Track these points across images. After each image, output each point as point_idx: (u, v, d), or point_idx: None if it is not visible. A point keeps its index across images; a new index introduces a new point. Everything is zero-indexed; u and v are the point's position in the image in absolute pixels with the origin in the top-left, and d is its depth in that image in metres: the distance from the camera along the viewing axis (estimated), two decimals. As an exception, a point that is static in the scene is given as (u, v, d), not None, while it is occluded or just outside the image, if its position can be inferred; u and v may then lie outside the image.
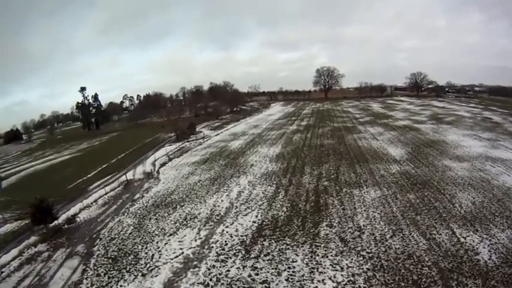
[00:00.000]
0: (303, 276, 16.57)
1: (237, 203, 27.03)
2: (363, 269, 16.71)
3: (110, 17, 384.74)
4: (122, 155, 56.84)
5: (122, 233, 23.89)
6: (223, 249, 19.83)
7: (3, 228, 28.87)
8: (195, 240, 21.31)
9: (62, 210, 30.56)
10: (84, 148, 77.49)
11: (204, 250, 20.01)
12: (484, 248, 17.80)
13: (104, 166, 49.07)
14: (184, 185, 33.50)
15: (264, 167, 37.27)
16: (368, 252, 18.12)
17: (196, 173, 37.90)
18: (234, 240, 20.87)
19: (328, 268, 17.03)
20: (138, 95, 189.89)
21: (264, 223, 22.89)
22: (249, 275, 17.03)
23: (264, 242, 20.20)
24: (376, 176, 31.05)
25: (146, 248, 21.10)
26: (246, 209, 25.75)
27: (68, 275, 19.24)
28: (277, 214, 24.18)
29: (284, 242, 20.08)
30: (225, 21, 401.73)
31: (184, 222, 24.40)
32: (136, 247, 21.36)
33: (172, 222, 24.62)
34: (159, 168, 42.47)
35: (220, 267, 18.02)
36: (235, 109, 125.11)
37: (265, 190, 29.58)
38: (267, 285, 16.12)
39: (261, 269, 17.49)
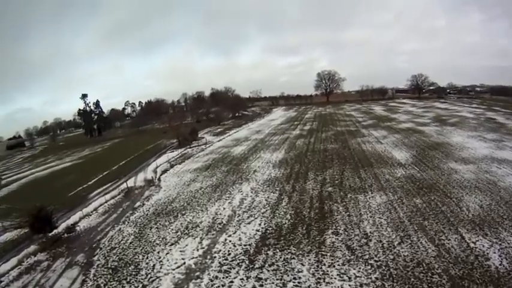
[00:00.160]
0: (309, 287, 15.98)
1: (240, 211, 26.47)
2: (371, 278, 16.08)
3: (111, 24, 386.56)
4: (123, 161, 56.56)
5: (122, 242, 23.41)
6: (226, 259, 19.26)
7: (2, 236, 28.63)
8: (197, 250, 20.77)
9: (62, 218, 30.22)
10: (86, 155, 77.33)
11: (207, 260, 19.45)
12: (494, 253, 17.21)
13: (105, 173, 48.80)
14: (185, 193, 33.01)
15: (266, 173, 36.76)
16: (376, 261, 17.49)
17: (198, 180, 37.43)
18: (237, 249, 20.30)
19: (335, 278, 16.42)
20: (140, 102, 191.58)
21: (268, 231, 22.29)
22: (253, 287, 16.46)
23: (268, 252, 19.60)
24: (381, 181, 30.44)
25: (147, 258, 20.59)
26: (248, 217, 25.17)
27: (67, 285, 18.82)
28: (281, 222, 23.58)
29: (289, 251, 19.47)
30: (226, 27, 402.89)
31: (186, 231, 23.86)
32: (137, 257, 20.86)
33: (174, 231, 24.09)
34: (161, 175, 42.06)
35: (223, 278, 17.45)
36: (237, 114, 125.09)
37: (268, 197, 29.02)
38: (272, 297, 15.55)
39: (266, 280, 16.89)
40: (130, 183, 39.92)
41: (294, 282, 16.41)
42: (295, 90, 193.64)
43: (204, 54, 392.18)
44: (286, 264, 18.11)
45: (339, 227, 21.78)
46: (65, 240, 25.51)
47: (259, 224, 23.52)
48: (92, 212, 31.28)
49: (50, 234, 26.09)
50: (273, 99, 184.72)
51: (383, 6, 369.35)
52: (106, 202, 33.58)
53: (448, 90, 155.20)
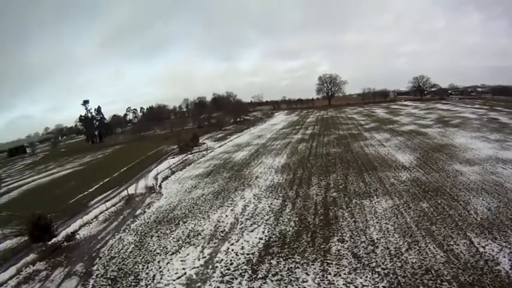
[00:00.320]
0: (314, 297, 15.43)
1: (242, 218, 25.92)
2: (378, 287, 15.50)
3: (113, 28, 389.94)
4: (125, 168, 56.30)
5: (122, 251, 22.98)
6: (228, 269, 18.70)
7: (3, 244, 28.48)
8: (199, 260, 20.23)
9: (62, 226, 30.06)
10: (87, 161, 77.16)
11: (208, 270, 18.91)
12: (504, 257, 16.63)
13: (106, 180, 48.53)
14: (187, 200, 32.54)
15: (269, 179, 36.23)
16: (383, 269, 16.89)
17: (199, 186, 36.98)
18: (239, 259, 19.72)
19: (341, 288, 15.85)
20: (141, 108, 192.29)
21: (271, 239, 21.70)
22: (257, 298, 15.93)
23: (271, 261, 19.02)
24: (386, 185, 29.84)
25: (147, 268, 20.12)
26: (251, 224, 24.60)
27: (65, 297, 18.37)
28: (285, 229, 22.99)
29: (293, 260, 18.88)
30: (227, 31, 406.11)
31: (187, 239, 23.34)
32: (137, 267, 20.41)
33: (175, 239, 23.59)
34: (162, 182, 41.68)
35: (225, 289, 16.91)
36: (238, 119, 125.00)
37: (271, 203, 28.46)
38: (277, 309, 14.99)
39: (269, 290, 16.33)
40: (131, 190, 39.59)
41: (298, 293, 15.85)
42: (297, 94, 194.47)
43: (205, 59, 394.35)
44: (290, 273, 17.53)
45: (344, 234, 21.19)
46: (65, 248, 25.23)
47: (263, 232, 22.97)
48: (92, 219, 30.97)
49: (50, 243, 25.89)
50: (274, 104, 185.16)
51: (383, 9, 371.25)
52: (107, 210, 33.24)
53: (449, 91, 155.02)
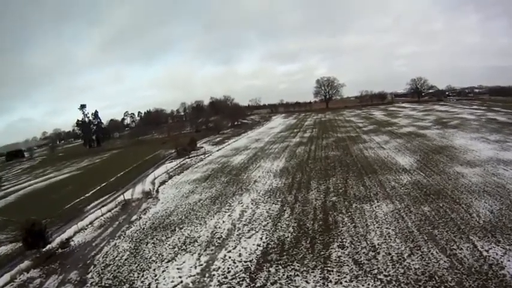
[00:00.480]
0: (315, 307, 14.90)
1: (240, 224, 25.35)
2: (381, 295, 15.02)
3: (112, 32, 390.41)
4: (122, 173, 55.76)
5: (117, 258, 22.37)
6: (225, 278, 18.11)
7: (-3, 250, 27.85)
8: (195, 267, 19.64)
9: (57, 232, 29.53)
10: (84, 166, 76.74)
11: (205, 278, 18.31)
12: (508, 261, 16.20)
13: (102, 185, 47.98)
14: (184, 205, 31.97)
15: (267, 183, 35.74)
16: (386, 275, 16.36)
17: (196, 191, 36.44)
18: (237, 266, 19.14)
19: (342, 296, 15.34)
20: (139, 112, 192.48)
21: (270, 246, 21.14)
22: (255, 307, 15.38)
23: (270, 268, 18.45)
24: (387, 188, 29.39)
25: (142, 276, 19.53)
26: (249, 230, 24.04)
27: (59, 306, 17.81)
28: (284, 235, 22.43)
29: (292, 267, 18.32)
30: (225, 35, 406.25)
31: (184, 246, 22.74)
32: (132, 275, 19.82)
33: (171, 246, 22.99)
34: (159, 186, 41.14)
35: (222, 298, 16.38)
36: (236, 123, 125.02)
37: (269, 209, 27.92)
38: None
39: (268, 299, 15.80)
40: (128, 195, 38.98)
41: (298, 302, 15.32)
42: (294, 97, 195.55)
43: (204, 63, 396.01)
44: (289, 282, 16.96)
45: (344, 240, 20.67)
46: (59, 255, 24.71)
47: (261, 238, 22.41)
48: (87, 225, 30.39)
49: (44, 250, 25.38)
50: (272, 107, 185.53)
51: (381, 11, 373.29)
52: (102, 215, 32.65)
53: (447, 93, 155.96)
